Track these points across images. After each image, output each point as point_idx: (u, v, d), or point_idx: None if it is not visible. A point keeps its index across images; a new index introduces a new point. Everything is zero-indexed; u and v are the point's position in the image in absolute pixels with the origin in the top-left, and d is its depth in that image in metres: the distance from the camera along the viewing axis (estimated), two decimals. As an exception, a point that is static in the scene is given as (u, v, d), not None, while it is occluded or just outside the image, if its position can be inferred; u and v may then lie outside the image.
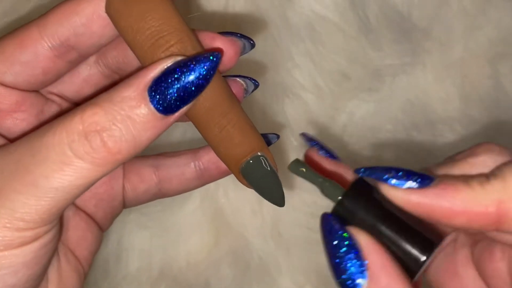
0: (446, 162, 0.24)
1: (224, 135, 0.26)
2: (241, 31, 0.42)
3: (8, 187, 0.23)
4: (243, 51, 0.29)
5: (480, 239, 0.26)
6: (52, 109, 0.29)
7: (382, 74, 0.43)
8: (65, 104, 0.29)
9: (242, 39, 0.28)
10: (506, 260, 0.25)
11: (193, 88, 0.24)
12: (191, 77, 0.24)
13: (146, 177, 0.31)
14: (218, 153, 0.28)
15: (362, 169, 0.23)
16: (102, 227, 0.31)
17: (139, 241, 0.43)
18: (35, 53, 0.26)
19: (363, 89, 0.43)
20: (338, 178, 0.27)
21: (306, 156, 0.28)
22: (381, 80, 0.43)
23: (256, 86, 0.30)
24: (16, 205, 0.23)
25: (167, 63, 0.24)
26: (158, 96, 0.23)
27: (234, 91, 0.28)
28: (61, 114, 0.29)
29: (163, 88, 0.23)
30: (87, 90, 0.29)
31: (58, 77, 0.28)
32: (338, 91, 0.43)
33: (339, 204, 0.24)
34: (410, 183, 0.22)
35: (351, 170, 0.26)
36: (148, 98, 0.23)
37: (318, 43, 0.42)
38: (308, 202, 0.43)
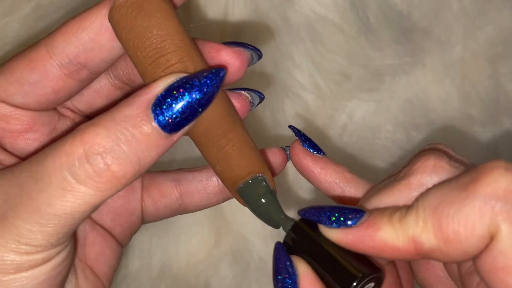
0: (388, 184, 0.25)
1: (221, 156, 0.26)
2: (241, 32, 0.42)
3: (13, 214, 0.23)
4: (250, 62, 0.27)
5: None
6: (65, 125, 0.28)
7: (382, 74, 0.43)
8: (78, 118, 0.29)
9: (249, 49, 0.27)
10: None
11: (196, 106, 0.23)
12: (195, 95, 0.23)
13: (167, 192, 0.30)
14: (215, 172, 0.27)
15: (303, 211, 0.25)
16: (121, 242, 0.30)
17: (139, 241, 0.43)
18: (44, 72, 0.25)
19: (363, 89, 0.43)
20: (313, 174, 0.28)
21: (291, 148, 0.28)
22: (381, 80, 0.43)
23: (262, 99, 0.29)
24: (21, 232, 0.22)
25: (170, 80, 0.23)
26: (162, 114, 0.23)
27: (239, 105, 0.27)
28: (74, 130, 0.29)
29: (166, 106, 0.23)
30: (99, 102, 0.28)
31: (70, 96, 0.27)
32: (338, 91, 0.43)
33: (287, 236, 0.26)
34: (340, 223, 0.24)
35: (335, 165, 0.28)
36: (152, 116, 0.22)
37: (318, 43, 0.42)
38: (306, 202, 0.43)
